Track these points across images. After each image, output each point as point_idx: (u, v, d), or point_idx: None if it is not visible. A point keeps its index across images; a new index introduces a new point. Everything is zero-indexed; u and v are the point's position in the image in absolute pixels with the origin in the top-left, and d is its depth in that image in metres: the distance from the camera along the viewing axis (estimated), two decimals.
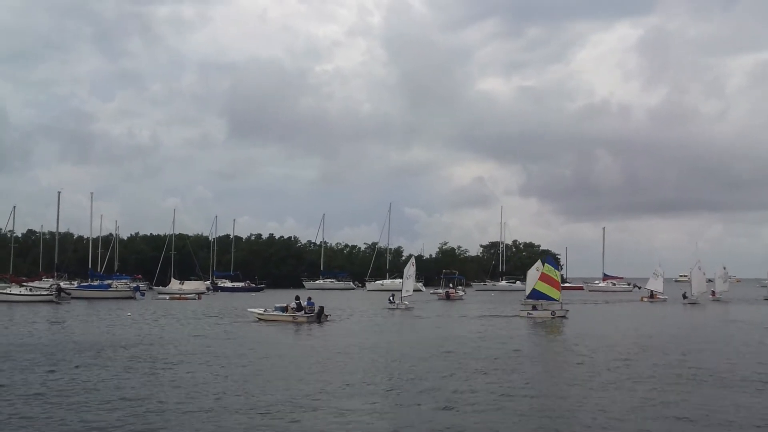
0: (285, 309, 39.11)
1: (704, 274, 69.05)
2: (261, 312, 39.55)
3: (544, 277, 42.55)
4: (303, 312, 38.53)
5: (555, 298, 41.95)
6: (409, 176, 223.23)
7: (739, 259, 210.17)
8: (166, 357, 22.49)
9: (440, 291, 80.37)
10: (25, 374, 18.55)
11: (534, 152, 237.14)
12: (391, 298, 56.27)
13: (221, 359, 22.08)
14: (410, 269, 56.69)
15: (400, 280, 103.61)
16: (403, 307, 53.47)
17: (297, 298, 40.47)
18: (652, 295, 71.62)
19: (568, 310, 42.80)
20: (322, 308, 39.48)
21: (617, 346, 26.47)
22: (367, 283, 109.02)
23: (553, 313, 41.36)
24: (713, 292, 72.12)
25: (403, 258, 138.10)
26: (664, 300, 68.83)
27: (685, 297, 65.02)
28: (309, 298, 41.61)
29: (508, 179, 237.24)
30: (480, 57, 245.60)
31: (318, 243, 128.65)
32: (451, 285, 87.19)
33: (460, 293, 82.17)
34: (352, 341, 28.21)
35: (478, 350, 25.10)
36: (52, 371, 19.12)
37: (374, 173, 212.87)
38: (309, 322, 37.59)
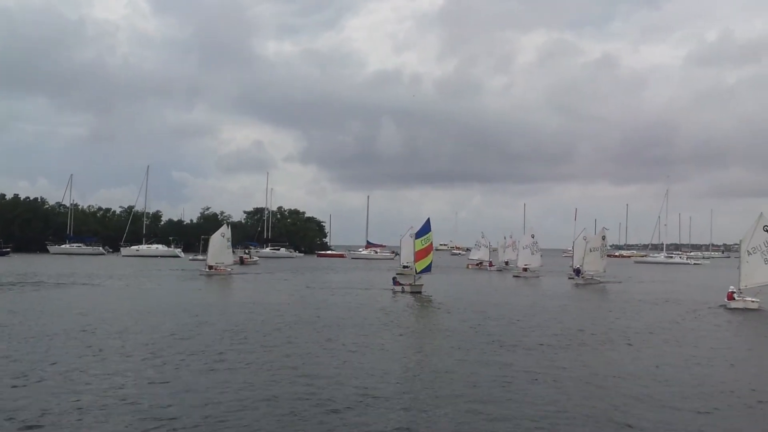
0: None
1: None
2: None
3: (418, 255, 39.72)
4: None
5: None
6: (186, 138, 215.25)
7: (496, 227, 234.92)
8: None
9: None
10: None
11: (317, 119, 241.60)
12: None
13: None
14: (227, 233, 56.72)
15: (157, 246, 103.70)
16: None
17: None
18: (479, 264, 77.83)
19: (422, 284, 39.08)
20: None
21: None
22: (122, 249, 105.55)
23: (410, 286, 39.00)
24: (524, 267, 62.18)
25: (162, 223, 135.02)
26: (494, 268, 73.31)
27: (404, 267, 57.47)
28: None
29: (289, 145, 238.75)
30: (253, 17, 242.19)
31: (67, 205, 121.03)
32: (246, 251, 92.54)
33: (255, 258, 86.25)
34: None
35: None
36: None
37: (149, 133, 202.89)
38: None
